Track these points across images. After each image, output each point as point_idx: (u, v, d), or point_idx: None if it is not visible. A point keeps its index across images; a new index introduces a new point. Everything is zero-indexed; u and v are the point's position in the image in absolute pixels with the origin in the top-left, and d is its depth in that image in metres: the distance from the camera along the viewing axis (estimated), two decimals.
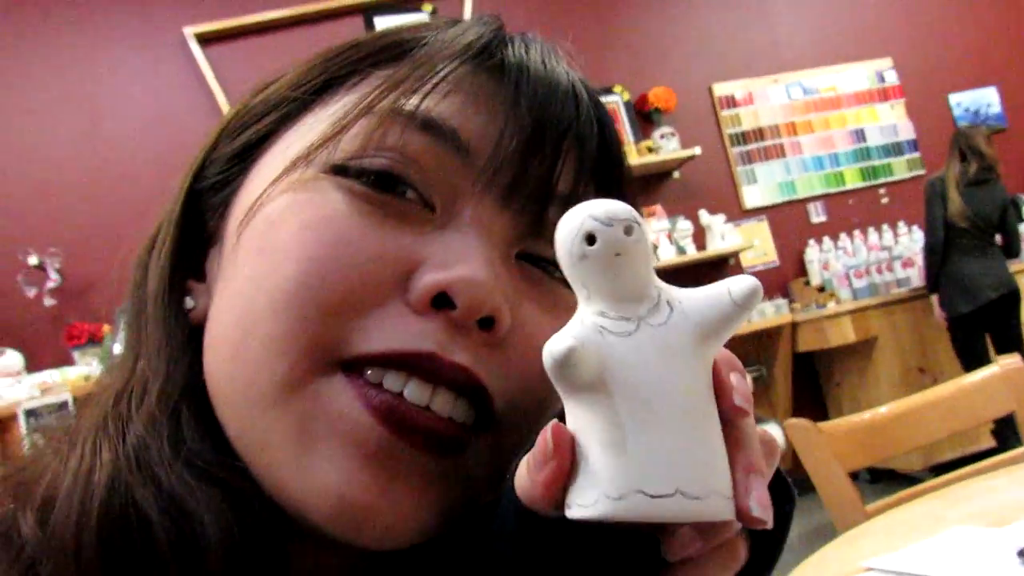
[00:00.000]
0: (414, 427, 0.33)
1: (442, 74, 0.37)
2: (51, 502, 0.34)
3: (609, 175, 0.41)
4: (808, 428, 1.21)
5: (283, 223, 0.35)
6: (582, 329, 0.27)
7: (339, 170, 0.36)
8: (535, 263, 0.39)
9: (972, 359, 3.53)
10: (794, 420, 1.22)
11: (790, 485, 0.33)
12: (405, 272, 0.35)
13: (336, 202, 0.35)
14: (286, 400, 0.33)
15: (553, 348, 0.26)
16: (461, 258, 0.34)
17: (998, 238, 3.74)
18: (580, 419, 0.28)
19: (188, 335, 0.39)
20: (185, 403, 0.36)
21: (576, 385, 0.27)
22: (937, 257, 3.67)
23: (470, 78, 0.38)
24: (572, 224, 0.27)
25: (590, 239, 0.27)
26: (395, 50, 0.40)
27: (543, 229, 0.38)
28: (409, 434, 0.33)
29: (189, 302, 0.41)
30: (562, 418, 0.28)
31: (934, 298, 3.75)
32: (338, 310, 0.33)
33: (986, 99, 5.06)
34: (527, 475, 0.28)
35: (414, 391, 0.34)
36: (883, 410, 1.29)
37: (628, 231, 0.27)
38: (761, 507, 0.27)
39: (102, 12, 3.85)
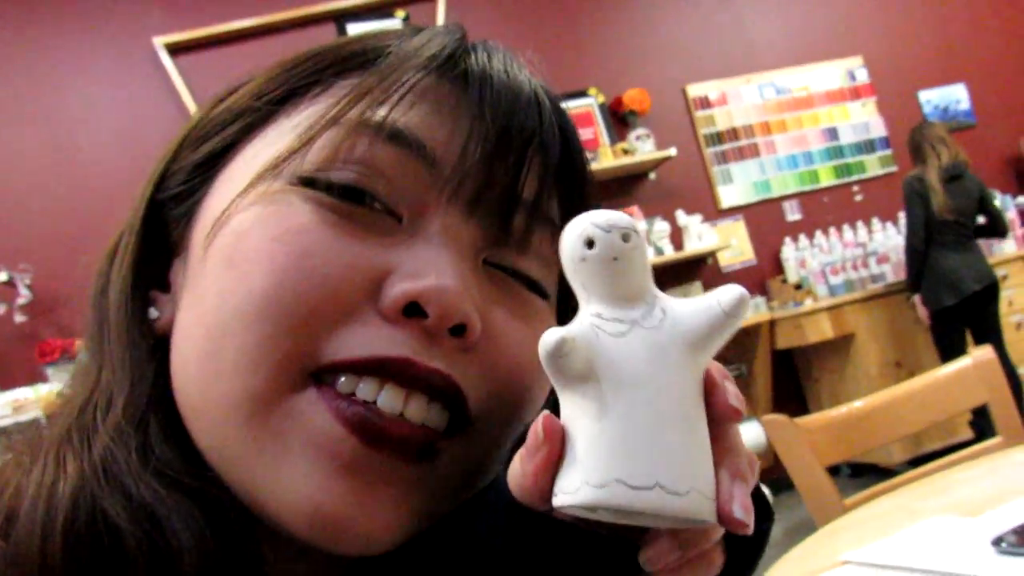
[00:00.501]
0: (387, 437, 0.34)
1: (408, 85, 0.37)
2: (14, 514, 0.33)
3: (572, 180, 0.42)
4: (786, 424, 1.21)
5: (252, 236, 0.35)
6: (577, 326, 0.29)
7: (307, 182, 0.36)
8: (502, 269, 0.40)
9: (953, 352, 3.57)
10: (772, 416, 1.22)
11: (770, 504, 0.34)
12: (375, 281, 0.35)
13: (305, 214, 0.35)
14: (260, 414, 0.33)
15: (546, 339, 0.28)
16: (431, 267, 0.35)
17: (980, 219, 3.79)
18: (571, 411, 0.29)
19: (152, 345, 0.39)
20: (152, 413, 0.36)
21: (567, 376, 0.29)
22: (920, 257, 3.70)
23: (435, 88, 0.38)
24: (575, 229, 0.29)
25: (590, 243, 0.29)
26: (358, 59, 0.40)
27: (509, 235, 0.39)
28: (382, 445, 0.34)
29: (153, 312, 0.40)
30: (556, 411, 0.30)
31: (916, 298, 3.78)
32: (309, 321, 0.34)
33: (955, 96, 5.13)
34: (519, 464, 0.29)
35: (388, 398, 0.34)
36: (859, 404, 1.29)
37: (626, 238, 0.29)
38: (743, 511, 0.27)
39: (70, 23, 3.81)
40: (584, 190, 0.43)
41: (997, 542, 0.81)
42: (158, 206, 0.42)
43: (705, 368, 0.30)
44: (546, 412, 0.29)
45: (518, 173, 0.38)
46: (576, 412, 0.29)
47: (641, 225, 4.28)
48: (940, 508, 0.97)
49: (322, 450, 0.33)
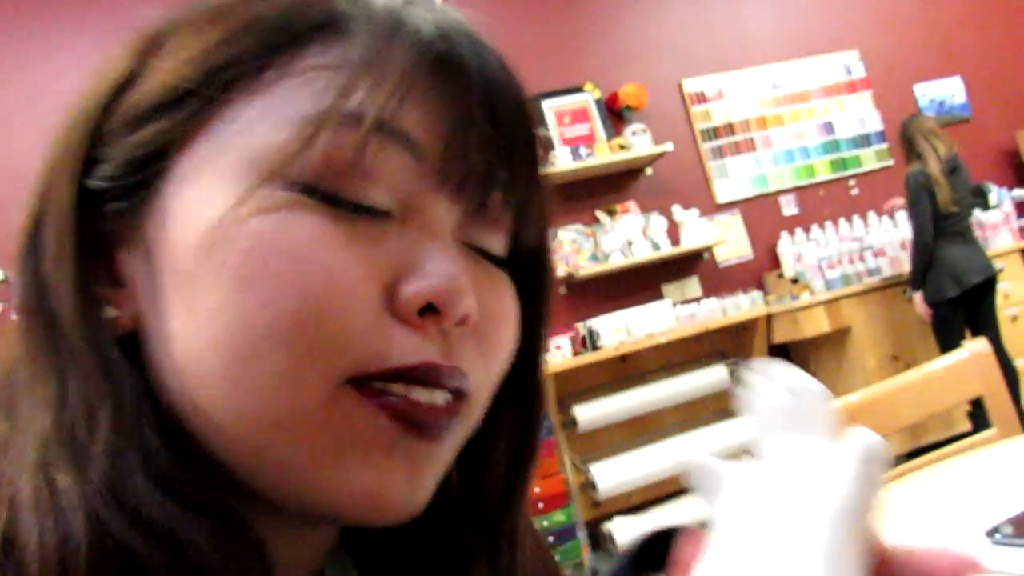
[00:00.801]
0: (427, 423, 0.36)
1: (399, 77, 0.36)
2: (10, 548, 0.31)
3: (533, 151, 0.42)
4: None
5: (266, 255, 0.34)
6: (734, 463, 0.33)
7: (308, 189, 0.35)
8: (473, 247, 0.41)
9: (953, 343, 3.57)
10: None
11: None
12: (389, 287, 0.36)
13: (315, 227, 0.35)
14: (310, 425, 0.34)
15: (690, 458, 0.32)
16: (435, 264, 0.36)
17: (976, 215, 3.82)
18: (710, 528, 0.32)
19: (118, 348, 0.36)
20: (145, 426, 0.34)
21: (702, 495, 0.32)
22: (929, 251, 3.70)
23: (414, 72, 0.37)
24: (758, 384, 0.33)
25: (766, 399, 0.33)
26: (320, 31, 0.37)
27: (484, 215, 0.40)
28: (423, 429, 0.36)
29: (111, 311, 0.37)
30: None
31: (917, 295, 3.78)
32: (339, 338, 0.34)
33: (951, 89, 5.13)
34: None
35: (418, 393, 0.36)
36: (854, 398, 1.30)
37: (800, 400, 0.33)
38: None
39: (63, 21, 3.80)
40: (537, 162, 0.42)
41: (991, 533, 0.81)
42: (87, 193, 0.37)
43: (873, 538, 0.30)
44: (682, 528, 0.32)
45: (498, 154, 0.39)
46: (711, 525, 0.32)
47: (638, 220, 4.28)
48: (935, 500, 0.98)
49: (376, 443, 0.35)
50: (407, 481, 0.36)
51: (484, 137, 0.38)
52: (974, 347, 1.35)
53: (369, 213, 0.36)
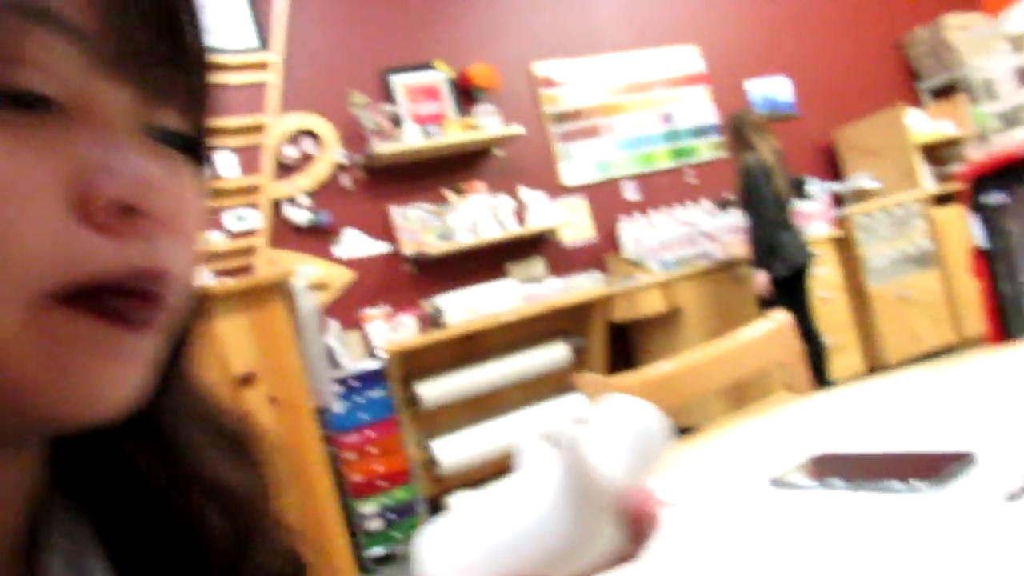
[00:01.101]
0: (132, 316, 0.34)
1: None
2: None
3: (199, 28, 0.39)
4: (599, 382, 1.27)
5: None
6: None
7: None
8: (154, 131, 0.37)
9: None
10: (587, 375, 1.27)
11: None
12: (74, 192, 0.32)
13: None
14: (14, 345, 0.31)
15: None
16: (124, 162, 0.33)
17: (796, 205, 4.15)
18: None
19: None
20: None
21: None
22: (773, 234, 3.97)
23: None
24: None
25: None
26: None
27: (159, 97, 0.37)
28: (129, 322, 0.34)
29: None
30: None
31: (762, 274, 4.03)
32: (26, 256, 0.31)
33: (780, 87, 5.50)
34: None
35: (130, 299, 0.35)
36: (669, 366, 1.37)
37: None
38: None
39: None
40: (205, 40, 0.39)
41: (774, 478, 0.88)
42: None
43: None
44: None
45: (163, 32, 0.36)
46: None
47: (486, 200, 4.32)
48: (734, 455, 1.05)
49: (88, 346, 0.33)
50: (121, 375, 0.35)
51: (147, 13, 0.35)
52: (777, 319, 1.45)
53: (30, 108, 0.32)
